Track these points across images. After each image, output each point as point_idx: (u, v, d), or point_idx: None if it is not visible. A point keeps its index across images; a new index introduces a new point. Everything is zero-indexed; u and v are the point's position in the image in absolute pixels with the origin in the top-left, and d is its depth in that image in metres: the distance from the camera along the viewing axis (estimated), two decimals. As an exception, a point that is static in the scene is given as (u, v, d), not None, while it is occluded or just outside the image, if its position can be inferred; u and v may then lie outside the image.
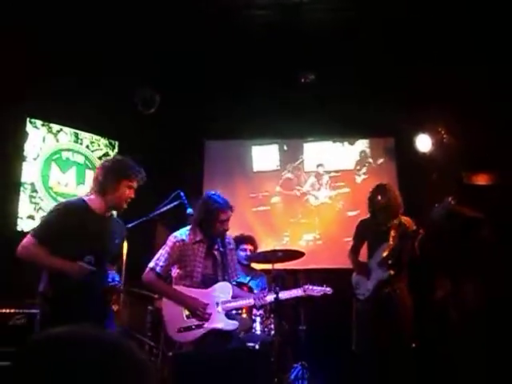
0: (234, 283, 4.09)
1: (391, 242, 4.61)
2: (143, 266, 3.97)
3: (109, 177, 3.25)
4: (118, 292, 3.38)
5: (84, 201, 3.29)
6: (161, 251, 3.93)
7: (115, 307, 4.79)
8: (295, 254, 5.28)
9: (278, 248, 5.36)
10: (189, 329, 3.73)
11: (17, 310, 4.13)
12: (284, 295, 3.97)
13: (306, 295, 3.94)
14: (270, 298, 3.94)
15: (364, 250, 4.91)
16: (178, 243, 3.89)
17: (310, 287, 3.96)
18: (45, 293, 3.13)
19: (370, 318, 4.61)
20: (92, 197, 3.29)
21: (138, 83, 6.19)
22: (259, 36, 5.85)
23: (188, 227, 4.00)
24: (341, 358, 5.29)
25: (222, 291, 3.84)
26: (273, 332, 4.65)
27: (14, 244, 3.20)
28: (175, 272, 3.96)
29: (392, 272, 4.55)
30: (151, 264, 3.90)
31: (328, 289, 4.11)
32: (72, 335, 0.85)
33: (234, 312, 3.94)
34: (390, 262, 4.56)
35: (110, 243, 3.27)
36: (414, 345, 4.67)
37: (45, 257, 3.08)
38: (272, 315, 4.72)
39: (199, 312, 3.73)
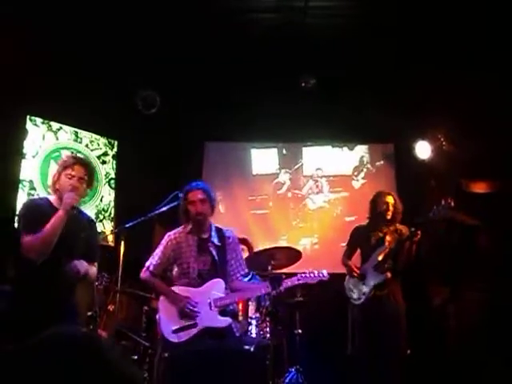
0: (240, 277, 3.96)
1: (387, 247, 4.64)
2: (141, 265, 3.96)
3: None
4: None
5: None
6: (156, 250, 3.95)
7: (111, 307, 4.79)
8: (291, 253, 5.25)
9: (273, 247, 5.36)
10: (182, 329, 3.68)
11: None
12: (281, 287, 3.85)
13: (302, 283, 3.83)
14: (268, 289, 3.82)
15: (356, 257, 4.93)
16: (170, 242, 3.90)
17: (304, 275, 3.86)
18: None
19: (365, 322, 4.63)
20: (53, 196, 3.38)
21: (139, 83, 6.19)
22: (260, 39, 5.86)
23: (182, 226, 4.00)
24: (336, 363, 5.29)
25: (215, 288, 3.78)
26: (268, 335, 4.65)
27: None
28: (175, 271, 3.96)
29: (389, 275, 4.58)
30: (147, 262, 3.93)
31: (323, 274, 3.89)
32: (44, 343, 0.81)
33: (229, 309, 3.86)
34: (386, 265, 4.60)
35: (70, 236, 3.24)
36: (408, 351, 4.68)
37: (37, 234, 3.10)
38: (268, 318, 4.71)
39: (187, 310, 3.69)
